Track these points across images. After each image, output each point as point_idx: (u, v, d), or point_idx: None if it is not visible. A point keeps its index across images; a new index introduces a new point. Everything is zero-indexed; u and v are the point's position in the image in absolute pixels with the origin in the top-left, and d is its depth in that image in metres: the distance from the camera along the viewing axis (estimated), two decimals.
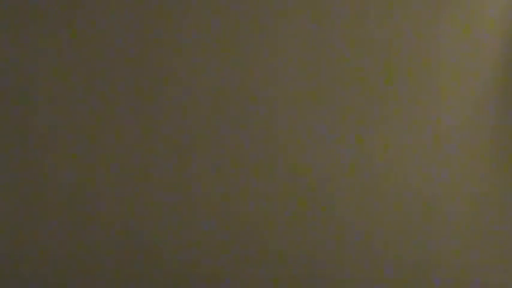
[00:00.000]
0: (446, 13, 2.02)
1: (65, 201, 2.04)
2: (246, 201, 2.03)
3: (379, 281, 2.03)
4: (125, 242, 2.04)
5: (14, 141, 2.04)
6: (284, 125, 2.03)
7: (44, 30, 2.03)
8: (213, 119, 2.03)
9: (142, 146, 2.04)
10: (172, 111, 2.03)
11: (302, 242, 2.04)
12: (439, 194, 2.03)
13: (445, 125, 2.02)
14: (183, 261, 2.04)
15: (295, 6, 2.02)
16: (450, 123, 2.02)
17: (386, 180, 2.03)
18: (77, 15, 2.03)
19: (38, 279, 2.04)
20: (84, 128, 2.04)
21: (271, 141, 2.03)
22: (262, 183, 2.03)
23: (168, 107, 2.03)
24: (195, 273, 2.04)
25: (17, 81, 2.04)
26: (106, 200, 2.04)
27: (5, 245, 2.05)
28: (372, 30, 2.02)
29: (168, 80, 2.03)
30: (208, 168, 2.03)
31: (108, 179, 2.04)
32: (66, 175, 2.04)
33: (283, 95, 2.03)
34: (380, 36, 2.02)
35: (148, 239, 2.04)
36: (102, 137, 2.04)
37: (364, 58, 2.02)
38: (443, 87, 2.02)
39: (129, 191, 2.04)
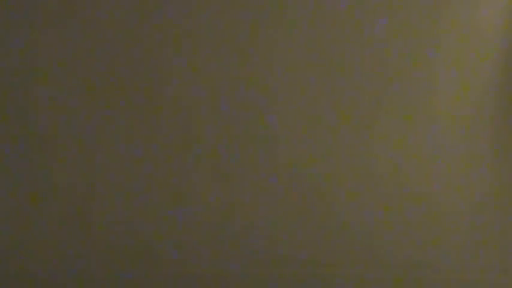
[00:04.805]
0: (446, 13, 2.02)
1: (64, 201, 2.04)
2: (246, 201, 2.03)
3: (379, 281, 2.03)
4: (125, 242, 2.04)
5: (14, 141, 2.04)
6: (284, 124, 2.03)
7: (43, 30, 2.03)
8: (213, 119, 2.03)
9: (143, 146, 2.04)
10: (172, 112, 2.03)
11: (302, 242, 2.04)
12: (439, 193, 2.02)
13: (445, 125, 2.02)
14: (184, 261, 2.04)
15: (295, 6, 2.02)
16: (450, 123, 2.02)
17: (386, 180, 2.03)
18: (77, 16, 2.03)
19: (38, 279, 2.04)
20: (84, 128, 2.04)
21: (271, 142, 2.03)
22: (262, 183, 2.03)
23: (168, 107, 2.03)
24: (195, 274, 2.04)
25: (17, 81, 2.04)
26: (106, 200, 2.04)
27: (5, 245, 2.05)
28: (372, 30, 2.02)
29: (168, 80, 2.03)
30: (208, 169, 2.03)
31: (108, 179, 2.04)
32: (66, 175, 2.04)
33: (283, 95, 2.03)
34: (380, 36, 2.02)
35: (149, 239, 2.04)
36: (102, 137, 2.04)
37: (364, 58, 2.02)
38: (443, 87, 2.02)
39: (129, 191, 2.04)
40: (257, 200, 2.03)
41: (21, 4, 2.03)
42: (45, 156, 2.04)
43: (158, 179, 2.03)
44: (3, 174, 2.04)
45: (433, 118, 2.02)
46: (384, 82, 2.02)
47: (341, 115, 2.03)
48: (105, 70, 2.03)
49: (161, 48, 2.03)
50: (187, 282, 2.04)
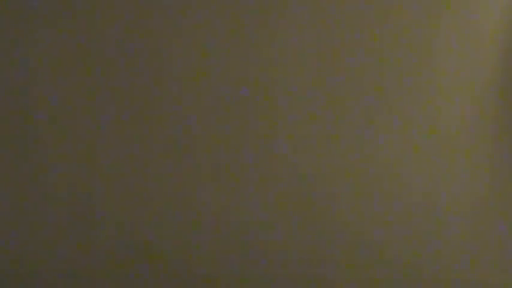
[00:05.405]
0: (446, 13, 2.02)
1: (64, 202, 2.04)
2: (245, 201, 2.03)
3: (379, 281, 2.03)
4: (124, 242, 2.04)
5: (14, 142, 2.04)
6: (284, 125, 2.03)
7: (43, 29, 2.04)
8: (212, 120, 2.03)
9: (143, 146, 2.04)
10: (172, 112, 2.04)
11: (302, 242, 2.04)
12: (439, 194, 2.03)
13: (445, 125, 2.02)
14: (183, 262, 2.04)
15: (296, 7, 2.02)
16: (450, 123, 2.02)
17: (386, 181, 2.03)
18: (77, 14, 2.03)
19: (38, 279, 2.04)
20: (84, 128, 2.04)
21: (271, 142, 2.03)
22: (262, 183, 2.03)
23: (168, 107, 2.03)
24: (195, 274, 2.04)
25: (17, 81, 2.04)
26: (105, 201, 2.04)
27: (5, 245, 2.05)
28: (372, 31, 2.02)
29: (168, 80, 2.03)
30: (208, 169, 2.03)
31: (108, 179, 2.04)
32: (66, 175, 2.04)
33: (282, 95, 2.03)
34: (380, 36, 2.02)
35: (148, 240, 2.04)
36: (102, 138, 2.04)
37: (364, 59, 2.02)
38: (443, 87, 2.02)
39: (129, 192, 2.04)
40: (256, 200, 2.03)
41: (21, 4, 2.03)
42: (45, 157, 2.04)
43: (158, 179, 2.04)
44: (3, 175, 2.04)
45: (433, 118, 2.02)
46: (383, 82, 2.02)
47: (341, 115, 2.03)
48: (105, 71, 2.03)
49: (161, 49, 2.03)
50: (186, 283, 2.04)
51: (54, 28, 2.03)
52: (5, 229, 2.05)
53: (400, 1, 2.02)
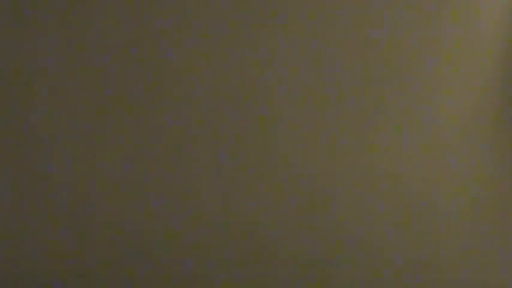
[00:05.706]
0: (446, 12, 2.02)
1: (64, 202, 2.04)
2: (245, 201, 2.03)
3: (378, 281, 2.03)
4: (124, 242, 2.04)
5: (14, 141, 2.04)
6: (284, 125, 2.03)
7: (43, 30, 2.04)
8: (213, 119, 2.03)
9: (142, 146, 2.04)
10: (172, 112, 2.04)
11: (302, 242, 2.04)
12: (439, 194, 2.03)
13: (445, 125, 2.02)
14: (183, 262, 2.04)
15: (295, 6, 2.03)
16: (450, 123, 2.02)
17: (386, 181, 2.03)
18: (77, 15, 2.03)
19: (37, 279, 2.04)
20: (83, 128, 2.04)
21: (271, 142, 2.03)
22: (262, 183, 2.03)
23: (168, 107, 2.04)
24: (195, 274, 2.04)
25: (17, 81, 2.04)
26: (105, 201, 2.04)
27: (5, 245, 2.05)
28: (372, 30, 2.02)
29: (168, 80, 2.04)
30: (208, 169, 2.03)
31: (108, 179, 2.04)
32: (65, 175, 2.04)
33: (283, 95, 2.03)
34: (380, 36, 2.02)
35: (148, 240, 2.04)
36: (102, 137, 2.04)
37: (364, 58, 2.02)
38: (443, 86, 2.02)
39: (129, 191, 2.04)
40: (256, 201, 2.03)
41: (22, 4, 2.03)
42: (45, 157, 2.04)
43: (158, 179, 2.03)
44: (3, 175, 2.04)
45: (433, 118, 2.02)
46: (383, 82, 2.02)
47: (341, 115, 2.03)
48: (105, 70, 2.03)
49: (161, 49, 2.03)
50: (185, 283, 2.03)
51: (53, 28, 2.03)
52: (5, 229, 2.04)
53: (401, 1, 2.02)
